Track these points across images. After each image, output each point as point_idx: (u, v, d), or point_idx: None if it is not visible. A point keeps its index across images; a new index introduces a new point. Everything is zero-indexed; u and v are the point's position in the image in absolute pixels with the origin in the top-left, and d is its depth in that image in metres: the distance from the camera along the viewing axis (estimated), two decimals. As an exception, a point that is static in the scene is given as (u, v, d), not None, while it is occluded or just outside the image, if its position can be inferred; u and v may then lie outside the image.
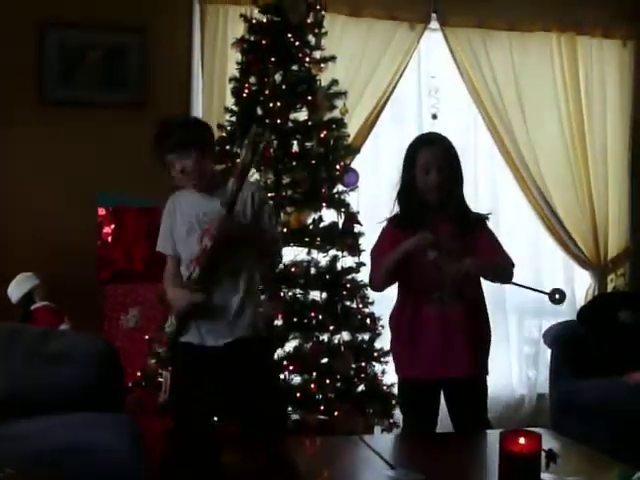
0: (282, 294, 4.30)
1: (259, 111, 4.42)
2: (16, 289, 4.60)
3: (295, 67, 4.50)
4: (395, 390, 4.45)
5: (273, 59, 4.43)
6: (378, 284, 3.46)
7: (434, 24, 5.57)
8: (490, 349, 3.49)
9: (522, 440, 2.39)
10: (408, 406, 3.56)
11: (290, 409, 4.17)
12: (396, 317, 3.49)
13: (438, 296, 3.30)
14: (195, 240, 3.27)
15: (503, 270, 3.36)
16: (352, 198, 4.58)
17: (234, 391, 3.41)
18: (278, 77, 4.46)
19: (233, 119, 4.46)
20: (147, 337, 4.55)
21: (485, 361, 3.45)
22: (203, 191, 3.33)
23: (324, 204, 4.44)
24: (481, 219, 3.41)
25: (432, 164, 3.26)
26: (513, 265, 3.36)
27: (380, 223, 3.48)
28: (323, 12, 4.58)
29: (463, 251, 3.22)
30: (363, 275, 4.46)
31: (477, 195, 5.44)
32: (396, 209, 3.43)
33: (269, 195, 4.09)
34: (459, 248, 3.23)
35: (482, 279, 3.41)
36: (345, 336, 4.42)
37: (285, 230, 4.30)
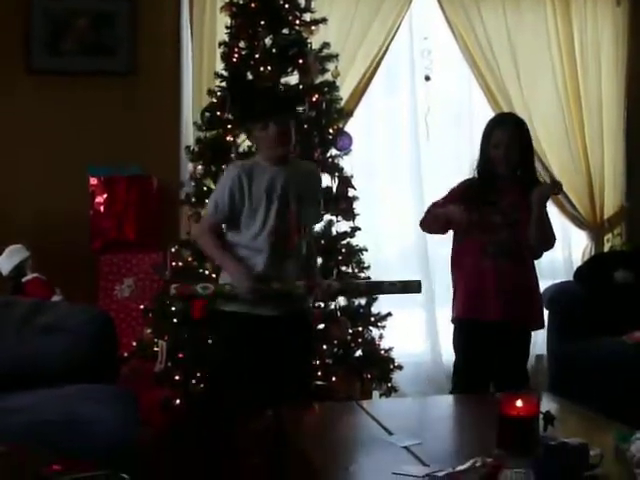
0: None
1: (249, 75, 4.37)
2: (6, 261, 4.57)
3: (285, 30, 4.43)
4: (392, 354, 4.46)
5: (263, 22, 4.36)
6: (423, 226, 3.90)
7: (426, -15, 5.50)
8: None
9: (519, 403, 2.37)
10: (463, 345, 3.83)
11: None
12: (456, 264, 3.87)
13: (492, 250, 3.68)
14: (274, 211, 3.35)
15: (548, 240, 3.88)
16: (346, 162, 4.54)
17: (277, 360, 3.44)
18: (268, 41, 4.40)
19: (223, 84, 4.40)
20: (142, 307, 4.53)
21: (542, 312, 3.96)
22: (280, 163, 3.42)
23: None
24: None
25: (501, 141, 3.72)
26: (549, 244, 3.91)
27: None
28: (313, -27, 4.52)
29: (523, 219, 3.68)
30: (358, 240, 4.44)
31: (473, 156, 5.39)
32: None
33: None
34: (519, 216, 3.69)
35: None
36: (341, 301, 4.40)
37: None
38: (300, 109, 4.35)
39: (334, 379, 4.20)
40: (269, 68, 4.31)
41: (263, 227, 3.35)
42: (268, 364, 3.43)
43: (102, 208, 4.89)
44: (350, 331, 4.35)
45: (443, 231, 3.86)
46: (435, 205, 3.81)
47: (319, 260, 4.26)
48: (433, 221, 3.80)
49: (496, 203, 3.70)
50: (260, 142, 3.47)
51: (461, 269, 3.81)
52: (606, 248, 5.83)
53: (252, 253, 3.37)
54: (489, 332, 3.71)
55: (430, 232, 4.04)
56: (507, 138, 3.70)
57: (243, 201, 3.36)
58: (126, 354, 4.29)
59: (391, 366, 4.45)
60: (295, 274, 3.41)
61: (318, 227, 4.37)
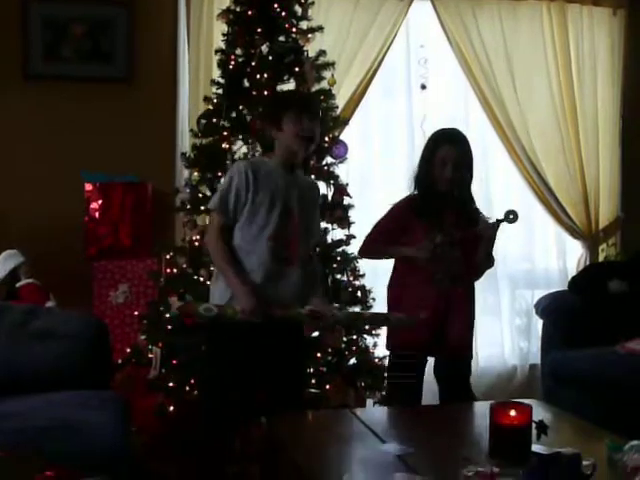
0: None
1: (246, 83, 4.37)
2: (1, 266, 4.56)
3: (282, 38, 4.43)
4: (387, 363, 4.45)
5: (259, 30, 4.36)
6: (365, 256, 3.99)
7: (422, -7, 5.51)
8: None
9: (512, 412, 2.38)
10: (397, 373, 3.82)
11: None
12: (396, 289, 3.84)
13: (439, 278, 3.67)
14: (277, 213, 3.24)
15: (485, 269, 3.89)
16: (341, 170, 4.55)
17: (269, 365, 3.36)
18: (265, 48, 4.40)
19: (220, 91, 4.41)
20: (137, 313, 4.53)
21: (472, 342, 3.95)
22: (288, 169, 3.35)
23: (313, 176, 4.40)
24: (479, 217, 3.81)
25: (450, 159, 3.66)
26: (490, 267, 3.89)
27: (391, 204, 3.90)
28: (309, -18, 4.53)
29: (463, 239, 3.66)
30: (353, 247, 4.43)
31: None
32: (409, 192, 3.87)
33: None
34: (460, 236, 3.66)
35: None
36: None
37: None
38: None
39: (328, 387, 4.20)
40: (265, 76, 4.31)
41: (263, 229, 3.24)
42: (261, 371, 3.38)
43: (97, 214, 4.89)
44: (344, 339, 4.35)
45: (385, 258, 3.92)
46: (379, 233, 3.79)
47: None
48: (379, 254, 3.89)
49: (441, 221, 3.68)
50: (281, 138, 3.31)
51: (406, 291, 3.76)
52: (601, 258, 5.84)
53: (249, 256, 3.24)
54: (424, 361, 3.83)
55: (370, 259, 4.08)
56: (456, 156, 3.67)
57: (247, 198, 3.23)
58: (120, 360, 4.28)
59: (385, 374, 4.45)
60: (296, 288, 3.28)
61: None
